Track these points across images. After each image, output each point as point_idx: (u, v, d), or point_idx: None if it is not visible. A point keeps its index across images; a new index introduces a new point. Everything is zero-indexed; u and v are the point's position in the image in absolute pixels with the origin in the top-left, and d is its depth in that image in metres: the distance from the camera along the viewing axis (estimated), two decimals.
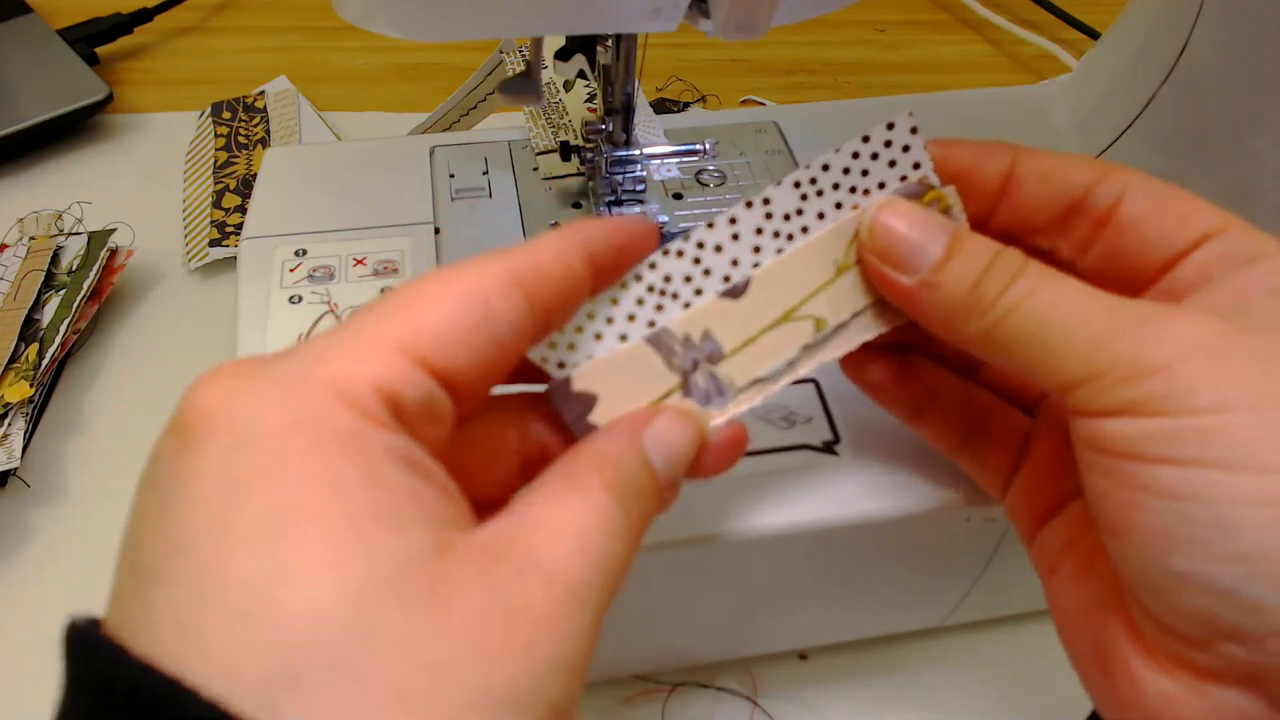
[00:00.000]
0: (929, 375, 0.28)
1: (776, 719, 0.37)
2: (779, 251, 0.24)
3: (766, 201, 0.24)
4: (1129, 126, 0.43)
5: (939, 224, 0.23)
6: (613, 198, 0.40)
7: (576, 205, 0.41)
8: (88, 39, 0.65)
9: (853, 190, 0.24)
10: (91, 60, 0.65)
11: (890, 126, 0.24)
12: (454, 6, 0.25)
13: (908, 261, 0.23)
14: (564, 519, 0.18)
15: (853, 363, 0.28)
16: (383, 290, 0.36)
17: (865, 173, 0.24)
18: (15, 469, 0.44)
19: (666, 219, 0.40)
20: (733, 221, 0.24)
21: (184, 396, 0.18)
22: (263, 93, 0.65)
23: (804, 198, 0.24)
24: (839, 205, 0.24)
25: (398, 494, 0.17)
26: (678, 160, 0.40)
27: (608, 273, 0.23)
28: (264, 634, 0.14)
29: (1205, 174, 0.40)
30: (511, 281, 0.20)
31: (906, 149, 0.24)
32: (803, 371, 0.24)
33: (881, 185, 0.24)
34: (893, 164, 0.24)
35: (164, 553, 0.16)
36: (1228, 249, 0.22)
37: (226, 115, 0.63)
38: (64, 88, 0.61)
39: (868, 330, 0.25)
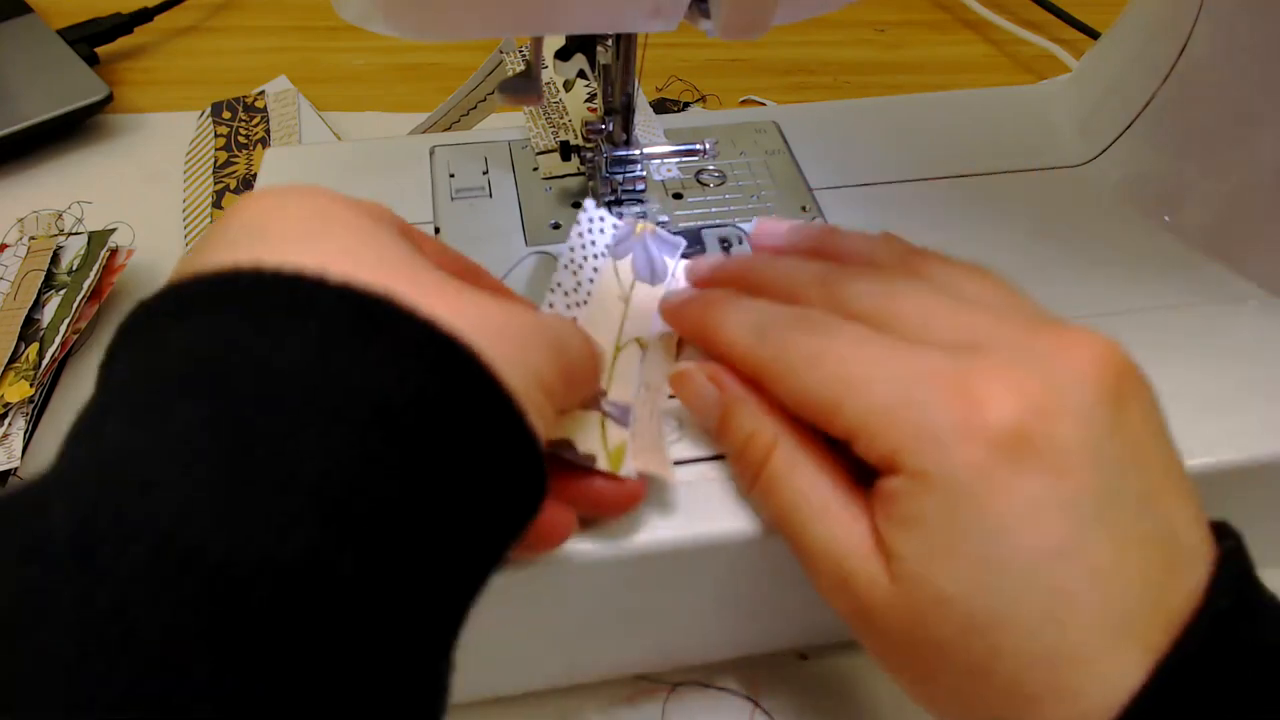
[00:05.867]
0: None
1: (776, 719, 0.37)
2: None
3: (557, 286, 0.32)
4: (1129, 126, 0.43)
5: (710, 398, 0.29)
6: (613, 197, 0.40)
7: (576, 205, 0.41)
8: (88, 39, 0.65)
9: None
10: (91, 60, 0.65)
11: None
12: (454, 6, 0.25)
13: (702, 411, 0.30)
14: None
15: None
16: None
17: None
18: (15, 469, 0.44)
19: (667, 218, 0.40)
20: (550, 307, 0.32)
21: None
22: (263, 93, 0.65)
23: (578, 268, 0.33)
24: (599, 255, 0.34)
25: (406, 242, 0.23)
26: (678, 160, 0.40)
27: None
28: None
29: (1205, 174, 0.40)
30: (589, 343, 0.27)
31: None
32: (664, 390, 0.31)
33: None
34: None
35: (213, 252, 0.21)
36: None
37: (226, 115, 0.63)
38: (64, 88, 0.61)
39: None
